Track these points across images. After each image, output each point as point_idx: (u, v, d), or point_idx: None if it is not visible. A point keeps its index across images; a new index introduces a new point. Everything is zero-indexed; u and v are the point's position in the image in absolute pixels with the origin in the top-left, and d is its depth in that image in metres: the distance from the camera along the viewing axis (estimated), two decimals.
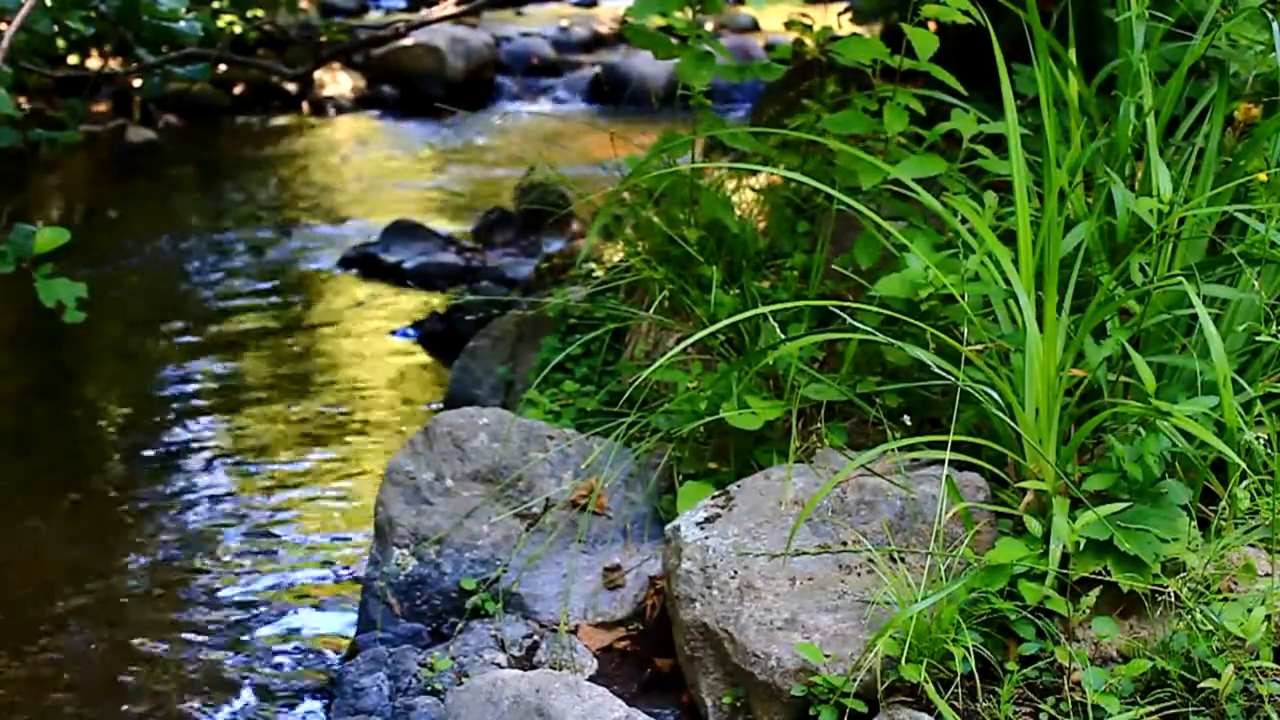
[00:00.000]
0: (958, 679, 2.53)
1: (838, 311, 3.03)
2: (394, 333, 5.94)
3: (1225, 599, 2.55)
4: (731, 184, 4.14)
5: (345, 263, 6.86)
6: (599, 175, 4.36)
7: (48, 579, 3.92)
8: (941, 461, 2.76)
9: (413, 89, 10.66)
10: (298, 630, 3.68)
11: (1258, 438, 2.70)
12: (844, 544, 2.85)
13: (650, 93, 10.01)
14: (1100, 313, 2.86)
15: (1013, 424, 2.80)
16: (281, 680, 3.44)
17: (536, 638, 3.15)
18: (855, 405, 3.25)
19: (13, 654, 3.54)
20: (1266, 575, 2.61)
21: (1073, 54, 3.54)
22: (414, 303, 6.33)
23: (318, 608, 3.79)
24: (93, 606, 3.78)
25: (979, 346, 2.89)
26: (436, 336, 5.78)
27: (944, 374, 2.88)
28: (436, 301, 6.25)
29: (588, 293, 4.13)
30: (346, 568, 4.00)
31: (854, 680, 2.56)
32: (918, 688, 2.53)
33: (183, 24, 5.42)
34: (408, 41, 10.40)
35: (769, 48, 5.38)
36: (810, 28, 4.27)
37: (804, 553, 2.84)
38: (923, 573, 2.67)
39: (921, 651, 2.54)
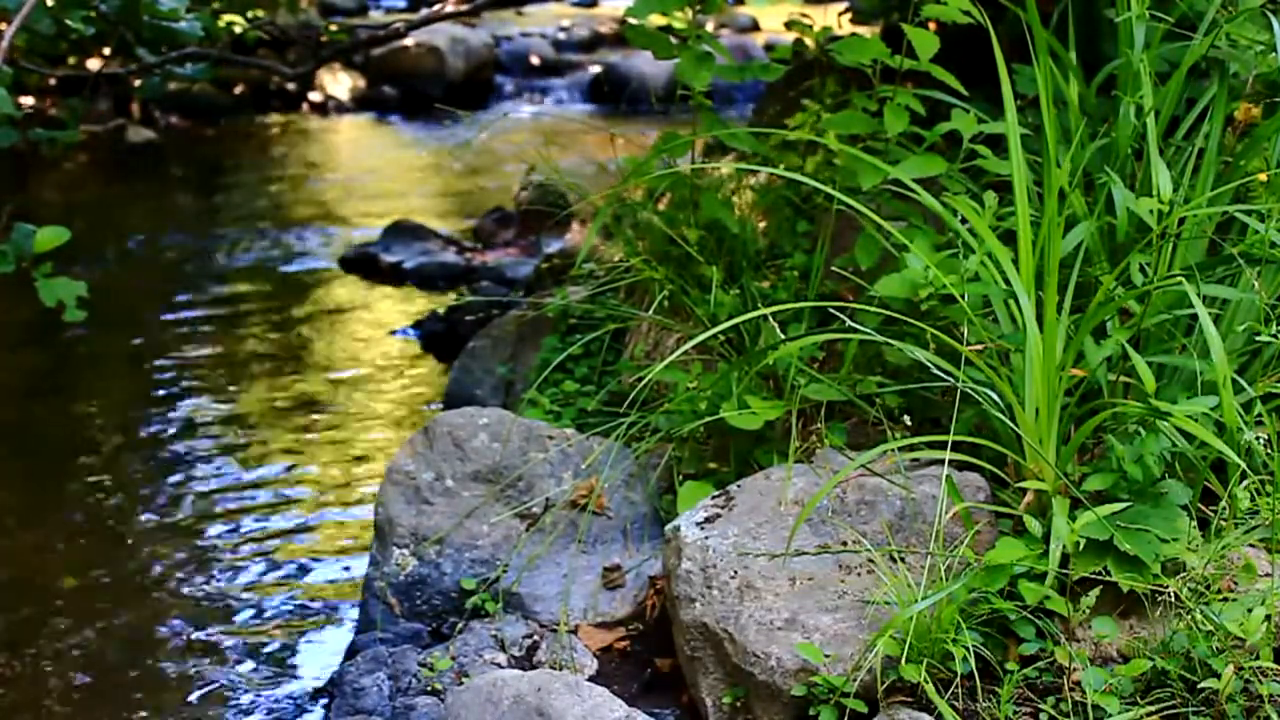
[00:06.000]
0: (958, 679, 2.53)
1: (837, 312, 3.04)
2: (394, 333, 5.94)
3: (1225, 599, 2.55)
4: (731, 184, 4.14)
5: (345, 263, 6.86)
6: (599, 175, 4.36)
7: (46, 580, 3.92)
8: (941, 461, 2.76)
9: (413, 89, 10.67)
10: (298, 630, 3.68)
11: (1258, 438, 2.70)
12: (844, 544, 2.85)
13: (650, 93, 10.02)
14: (1100, 313, 2.86)
15: (1013, 424, 2.80)
16: (281, 680, 3.44)
17: (536, 638, 3.15)
18: (855, 405, 3.25)
19: (13, 654, 3.54)
20: (1266, 575, 2.61)
21: (1073, 54, 3.54)
22: (414, 303, 6.33)
23: (318, 608, 3.79)
24: (92, 606, 3.78)
25: (979, 346, 2.89)
26: (436, 336, 5.78)
27: (944, 374, 2.88)
28: (436, 301, 6.25)
29: (588, 293, 4.12)
30: (346, 568, 4.00)
31: (854, 680, 2.56)
32: (918, 688, 2.53)
33: (183, 24, 5.41)
34: (408, 41, 10.41)
35: (769, 48, 5.38)
36: (810, 28, 4.27)
37: (804, 553, 2.84)
38: (923, 573, 2.68)
39: (921, 651, 2.54)
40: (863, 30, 4.48)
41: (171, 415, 5.09)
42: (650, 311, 3.77)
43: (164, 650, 3.59)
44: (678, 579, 2.87)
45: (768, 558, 2.83)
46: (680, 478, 3.35)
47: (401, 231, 6.99)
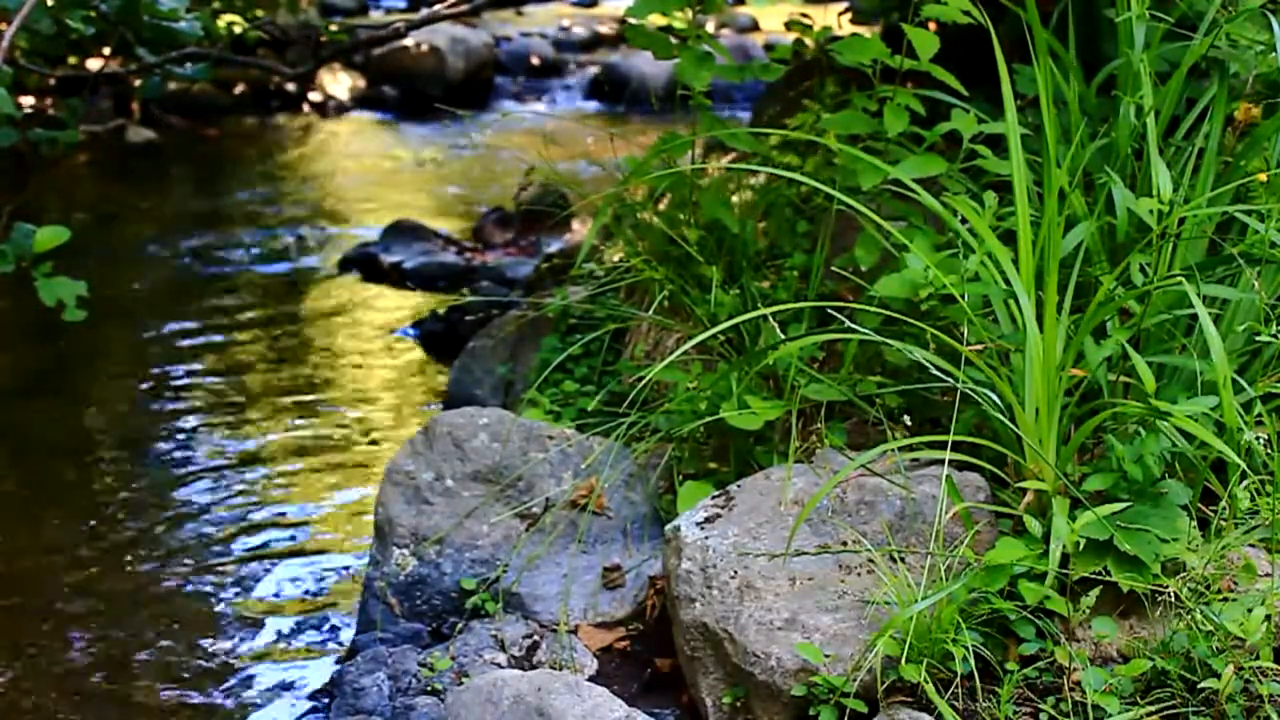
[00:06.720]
0: (958, 679, 2.53)
1: (837, 313, 3.04)
2: (394, 333, 5.94)
3: (1225, 599, 2.55)
4: (731, 184, 4.14)
5: (345, 263, 6.86)
6: (599, 175, 4.36)
7: (47, 579, 3.92)
8: (941, 461, 2.76)
9: (413, 89, 10.66)
10: (298, 630, 3.68)
11: (1258, 438, 2.70)
12: (844, 544, 2.85)
13: (650, 93, 10.02)
14: (1100, 313, 2.86)
15: (1013, 424, 2.80)
16: (282, 680, 3.44)
17: (536, 638, 3.15)
18: (855, 405, 3.25)
19: (13, 654, 3.54)
20: (1266, 575, 2.61)
21: (1073, 54, 3.54)
22: (414, 303, 6.32)
23: (318, 608, 3.79)
24: (92, 606, 3.78)
25: (979, 346, 2.89)
26: (436, 336, 5.78)
27: (944, 374, 2.88)
28: (436, 301, 6.25)
29: (588, 293, 4.12)
30: (346, 568, 4.00)
31: (854, 680, 2.56)
32: (918, 688, 2.53)
33: (183, 24, 5.41)
34: (408, 41, 10.40)
35: (769, 48, 5.38)
36: (810, 28, 4.27)
37: (804, 553, 2.84)
38: (923, 573, 2.68)
39: (921, 651, 2.54)
40: (863, 30, 4.49)
41: (171, 415, 5.08)
42: (650, 311, 3.77)
43: (163, 650, 3.59)
44: (678, 579, 2.87)
45: (768, 558, 2.83)
46: (680, 478, 3.35)
47: (401, 231, 6.99)
